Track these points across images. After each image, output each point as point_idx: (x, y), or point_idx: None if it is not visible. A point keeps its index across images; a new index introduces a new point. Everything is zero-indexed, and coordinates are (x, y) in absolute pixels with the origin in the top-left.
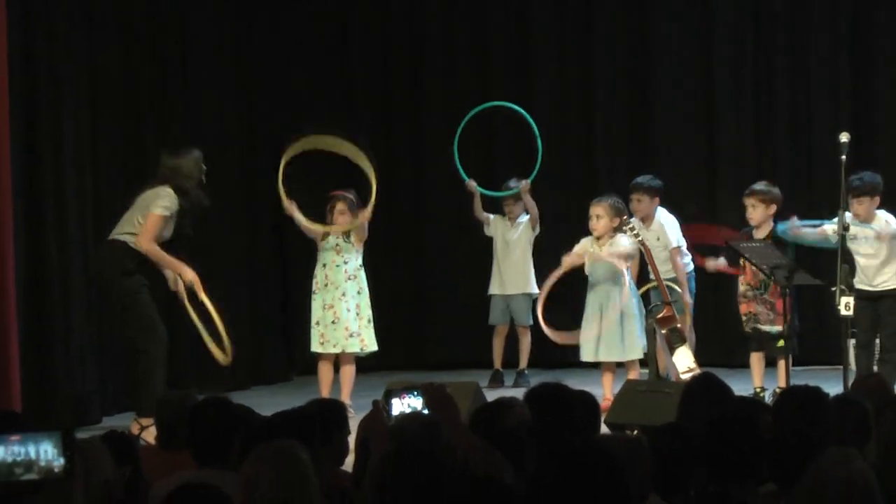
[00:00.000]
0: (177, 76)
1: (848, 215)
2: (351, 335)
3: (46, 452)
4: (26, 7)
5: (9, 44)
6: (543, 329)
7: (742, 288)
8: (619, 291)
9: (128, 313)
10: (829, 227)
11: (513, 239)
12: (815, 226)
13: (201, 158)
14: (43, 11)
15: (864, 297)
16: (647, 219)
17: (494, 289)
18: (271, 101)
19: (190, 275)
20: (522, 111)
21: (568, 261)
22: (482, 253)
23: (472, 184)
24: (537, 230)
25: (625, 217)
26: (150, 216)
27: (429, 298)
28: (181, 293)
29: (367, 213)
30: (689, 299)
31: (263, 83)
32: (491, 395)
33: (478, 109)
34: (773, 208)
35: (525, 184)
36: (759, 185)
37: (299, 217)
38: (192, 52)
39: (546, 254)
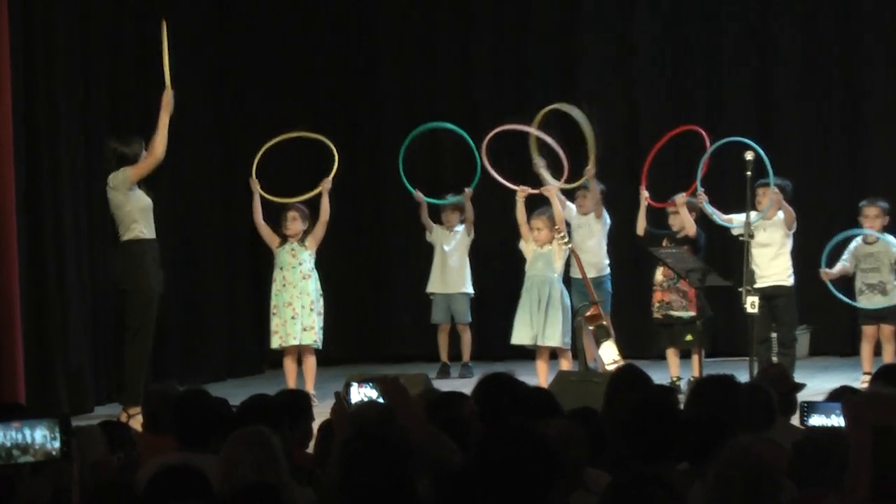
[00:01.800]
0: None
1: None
2: (305, 329)
3: (44, 437)
4: (26, 12)
5: (11, 49)
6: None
7: (659, 278)
8: (553, 285)
9: (135, 305)
10: (735, 218)
11: (451, 246)
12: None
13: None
14: (41, 23)
15: (760, 296)
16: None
17: (435, 288)
18: (247, 106)
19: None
20: (460, 131)
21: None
22: (430, 258)
23: (419, 195)
24: (472, 235)
25: (557, 227)
26: (132, 172)
27: (382, 299)
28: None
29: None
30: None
31: (239, 90)
32: (439, 386)
33: (418, 130)
34: (693, 215)
35: (468, 192)
36: (681, 195)
37: (258, 196)
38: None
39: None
